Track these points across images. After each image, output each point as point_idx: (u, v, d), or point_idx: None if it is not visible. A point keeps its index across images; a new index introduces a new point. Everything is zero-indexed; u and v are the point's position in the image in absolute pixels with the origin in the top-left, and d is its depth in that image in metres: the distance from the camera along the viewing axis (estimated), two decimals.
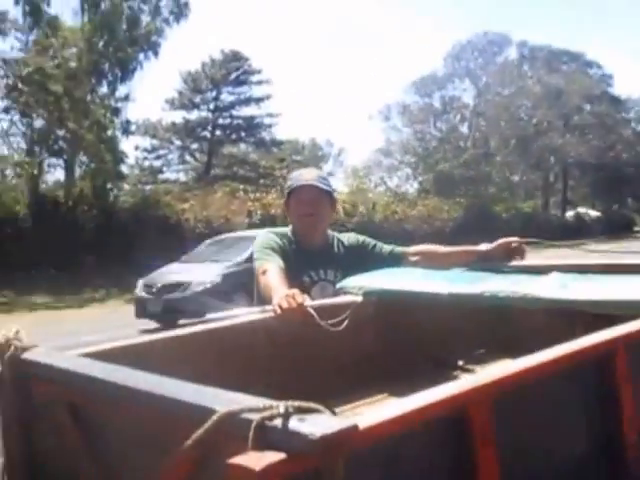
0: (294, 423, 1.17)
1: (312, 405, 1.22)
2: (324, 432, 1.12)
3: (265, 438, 1.17)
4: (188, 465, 1.33)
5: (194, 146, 47.43)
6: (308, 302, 2.54)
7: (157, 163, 47.96)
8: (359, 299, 2.80)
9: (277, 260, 2.99)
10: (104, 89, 27.60)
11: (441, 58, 52.61)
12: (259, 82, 46.31)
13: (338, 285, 2.97)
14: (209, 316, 2.68)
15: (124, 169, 30.69)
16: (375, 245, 3.33)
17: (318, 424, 1.15)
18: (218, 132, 46.68)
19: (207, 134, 46.51)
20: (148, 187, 43.33)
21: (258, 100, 46.42)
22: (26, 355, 1.91)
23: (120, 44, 26.18)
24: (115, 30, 25.88)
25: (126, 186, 41.03)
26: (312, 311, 2.47)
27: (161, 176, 47.40)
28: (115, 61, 26.57)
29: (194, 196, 31.47)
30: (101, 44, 26.14)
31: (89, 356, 2.02)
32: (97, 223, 25.89)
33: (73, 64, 24.91)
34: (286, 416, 1.18)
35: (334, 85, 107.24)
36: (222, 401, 1.30)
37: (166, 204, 29.73)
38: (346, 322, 2.55)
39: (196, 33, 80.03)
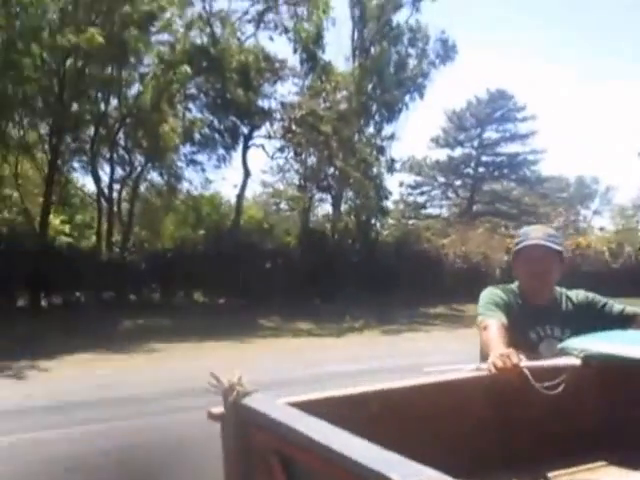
0: None
1: None
2: None
3: None
4: None
5: (457, 183, 48.16)
6: (524, 362, 2.44)
7: (421, 199, 49.33)
8: (579, 362, 2.61)
9: (500, 316, 2.94)
10: (371, 129, 29.08)
11: None
12: (523, 119, 46.20)
13: (560, 345, 2.80)
14: (427, 369, 2.58)
15: (388, 205, 31.74)
16: (605, 304, 3.18)
17: None
18: (481, 169, 47.03)
19: (470, 171, 47.04)
20: (411, 222, 44.64)
21: (522, 137, 46.29)
22: (246, 400, 1.97)
23: (387, 87, 27.49)
24: (383, 74, 27.25)
25: (390, 221, 42.74)
26: (527, 372, 2.38)
27: (424, 211, 48.66)
28: (382, 103, 27.90)
29: (455, 231, 31.86)
30: (370, 87, 27.69)
31: (303, 405, 2.05)
32: (360, 256, 27.06)
33: (343, 106, 26.45)
34: None
35: (601, 120, 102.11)
36: (400, 471, 1.28)
37: (427, 239, 30.49)
38: (562, 386, 2.40)
39: (461, 72, 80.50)
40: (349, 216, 29.41)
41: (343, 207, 29.49)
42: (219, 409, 2.07)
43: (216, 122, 25.60)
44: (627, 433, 2.52)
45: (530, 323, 3.05)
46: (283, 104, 26.77)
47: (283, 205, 34.68)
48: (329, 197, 29.98)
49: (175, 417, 8.28)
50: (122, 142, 24.04)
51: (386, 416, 2.27)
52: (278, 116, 26.51)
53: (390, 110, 28.15)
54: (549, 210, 45.83)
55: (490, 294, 3.12)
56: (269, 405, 1.91)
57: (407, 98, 28.42)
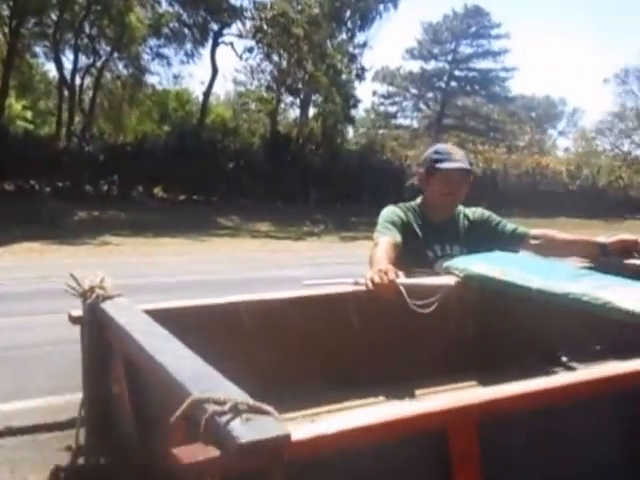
0: (236, 423, 1.14)
1: (264, 406, 1.19)
2: (254, 437, 1.09)
3: (214, 432, 1.15)
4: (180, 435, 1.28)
5: (429, 95, 47.95)
6: (401, 280, 2.46)
7: (392, 109, 49.22)
8: (454, 282, 2.63)
9: (394, 234, 2.96)
10: (343, 36, 28.70)
11: None
12: (497, 36, 45.89)
13: (443, 264, 2.83)
14: (306, 282, 2.53)
15: (359, 113, 31.47)
16: (499, 222, 3.22)
17: (255, 428, 1.12)
18: (453, 83, 46.82)
19: (442, 84, 46.79)
20: (381, 131, 44.68)
21: (495, 54, 46.10)
22: (105, 304, 1.95)
23: None
24: None
25: (361, 129, 42.68)
26: (402, 289, 2.39)
27: (395, 121, 48.61)
28: (355, 9, 27.51)
29: (423, 144, 31.94)
30: None
31: (163, 313, 2.04)
32: (324, 162, 27.03)
33: (315, 10, 25.98)
34: (234, 414, 1.16)
35: (572, 44, 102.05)
36: (201, 386, 1.28)
37: (391, 149, 30.58)
38: (435, 305, 2.42)
39: None
40: (316, 121, 29.33)
41: (311, 112, 29.38)
42: (78, 312, 2.06)
43: (185, 16, 25.10)
44: (499, 355, 2.59)
45: (429, 241, 3.08)
46: (255, 3, 26.24)
47: (253, 106, 34.38)
48: (298, 101, 29.78)
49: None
50: (87, 30, 23.47)
51: (258, 328, 2.27)
52: (249, 15, 26.02)
53: (363, 18, 27.84)
54: (516, 128, 46.10)
55: (389, 212, 3.10)
56: (123, 310, 1.90)
57: (381, 7, 28.09)
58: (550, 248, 3.13)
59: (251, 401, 1.20)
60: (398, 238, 2.92)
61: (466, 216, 3.21)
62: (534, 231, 3.20)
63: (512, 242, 3.11)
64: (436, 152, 3.14)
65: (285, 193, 24.55)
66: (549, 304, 2.37)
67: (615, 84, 51.69)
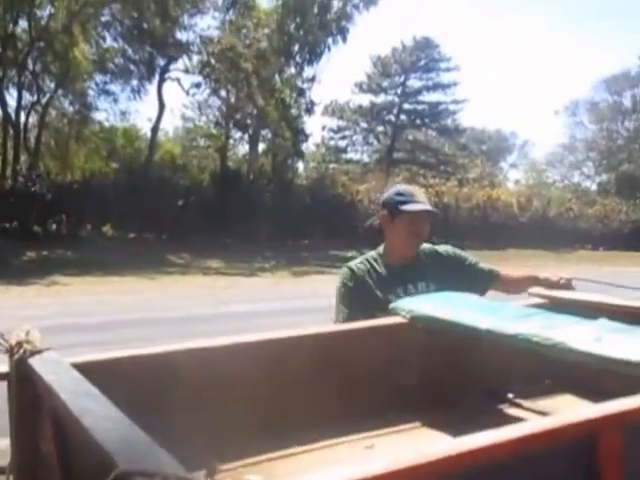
0: None
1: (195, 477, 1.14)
2: None
3: None
4: None
5: (379, 129, 48.17)
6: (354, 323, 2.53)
7: (342, 143, 49.26)
8: (405, 322, 2.65)
9: (350, 315, 2.99)
10: (292, 70, 28.73)
11: (635, 57, 50.36)
12: (447, 69, 46.38)
13: (390, 306, 2.83)
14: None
15: (309, 147, 31.45)
16: (469, 260, 3.30)
17: None
18: (403, 117, 47.13)
19: (392, 118, 47.08)
20: (332, 166, 44.75)
21: (445, 87, 46.53)
22: (33, 360, 1.86)
23: (310, 28, 27.08)
24: (306, 14, 26.80)
25: (312, 164, 42.71)
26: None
27: (345, 156, 48.71)
28: (304, 44, 27.57)
29: (374, 178, 32.05)
30: (292, 27, 27.25)
31: (90, 366, 1.94)
32: (275, 197, 26.92)
33: (264, 44, 26.01)
34: None
35: (522, 76, 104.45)
36: (130, 455, 1.21)
37: (342, 184, 30.59)
38: (384, 346, 2.50)
39: (387, 19, 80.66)
40: (266, 157, 29.26)
41: (261, 147, 29.28)
42: (5, 367, 1.94)
43: (131, 52, 24.88)
44: (446, 395, 2.54)
45: (392, 285, 3.09)
46: (202, 38, 26.12)
47: (202, 142, 34.20)
48: (246, 136, 29.68)
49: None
50: (31, 66, 23.08)
51: (196, 378, 2.14)
52: (196, 49, 25.90)
53: (312, 52, 27.86)
54: (467, 161, 46.60)
55: (342, 287, 3.13)
56: (51, 366, 1.81)
57: (330, 41, 28.14)
58: (508, 285, 3.28)
59: (182, 473, 1.11)
60: (354, 317, 2.91)
61: (432, 252, 3.25)
62: (503, 272, 3.30)
63: (483, 282, 3.21)
64: (399, 194, 3.18)
65: (236, 229, 24.33)
66: (498, 344, 2.36)
67: (565, 116, 52.88)
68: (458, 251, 3.31)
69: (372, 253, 3.24)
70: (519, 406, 2.65)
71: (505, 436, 1.38)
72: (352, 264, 3.20)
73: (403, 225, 3.14)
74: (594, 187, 48.82)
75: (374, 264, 3.18)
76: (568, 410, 1.98)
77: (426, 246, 3.26)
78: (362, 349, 2.44)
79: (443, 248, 3.30)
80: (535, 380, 2.82)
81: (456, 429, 1.71)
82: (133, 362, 2.10)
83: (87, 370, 1.79)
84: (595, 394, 2.14)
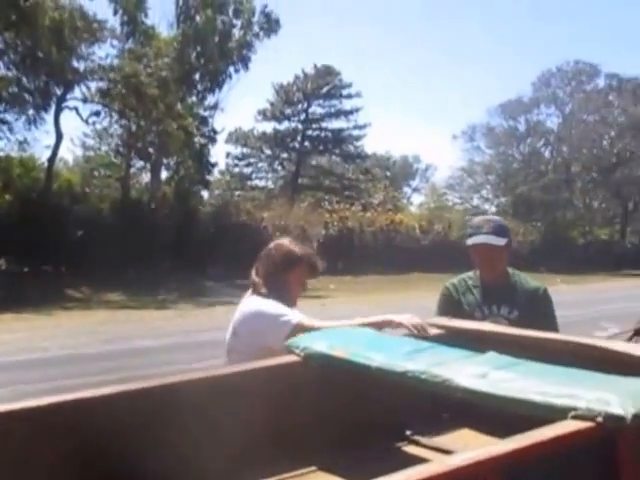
0: None
1: None
2: None
3: None
4: None
5: (283, 155, 48.54)
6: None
7: (247, 170, 49.52)
8: (299, 360, 2.59)
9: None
10: (193, 98, 28.65)
11: (528, 83, 52.58)
12: (349, 95, 47.10)
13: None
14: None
15: (213, 175, 31.22)
16: (545, 310, 3.46)
17: None
18: (307, 143, 47.59)
19: (296, 145, 47.50)
20: (237, 193, 44.66)
21: (347, 113, 47.31)
22: None
23: (211, 56, 27.03)
24: (207, 43, 26.72)
25: (216, 191, 42.44)
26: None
27: (250, 183, 48.85)
28: (205, 72, 27.54)
29: (279, 205, 32.05)
30: (193, 55, 27.18)
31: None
32: (178, 227, 26.52)
33: (165, 73, 25.64)
34: None
35: (423, 101, 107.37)
36: None
37: (247, 211, 30.48)
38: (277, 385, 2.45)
39: (289, 47, 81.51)
40: (169, 185, 28.92)
41: (164, 176, 28.94)
42: None
43: (25, 81, 24.13)
44: (340, 436, 2.47)
45: (479, 302, 3.40)
46: (101, 66, 25.61)
47: (103, 172, 33.54)
48: (148, 165, 29.28)
49: None
50: None
51: (29, 440, 1.96)
52: (96, 77, 25.36)
53: (214, 80, 27.88)
54: (370, 186, 47.27)
55: (438, 301, 3.58)
56: None
57: (232, 69, 28.24)
58: None
59: None
60: None
61: (524, 281, 3.51)
62: None
63: None
64: (470, 226, 3.55)
65: (138, 260, 23.76)
66: (390, 382, 2.34)
67: (463, 140, 54.20)
68: (547, 298, 3.51)
69: (470, 273, 3.57)
70: (417, 443, 2.60)
71: None
72: (449, 281, 3.60)
73: (473, 255, 3.47)
74: (493, 209, 50.26)
75: (468, 282, 3.52)
76: (464, 447, 2.06)
77: (528, 279, 3.56)
78: (256, 389, 2.37)
79: (540, 287, 3.52)
80: (433, 415, 2.76)
81: (351, 473, 1.69)
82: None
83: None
84: (493, 427, 2.16)
